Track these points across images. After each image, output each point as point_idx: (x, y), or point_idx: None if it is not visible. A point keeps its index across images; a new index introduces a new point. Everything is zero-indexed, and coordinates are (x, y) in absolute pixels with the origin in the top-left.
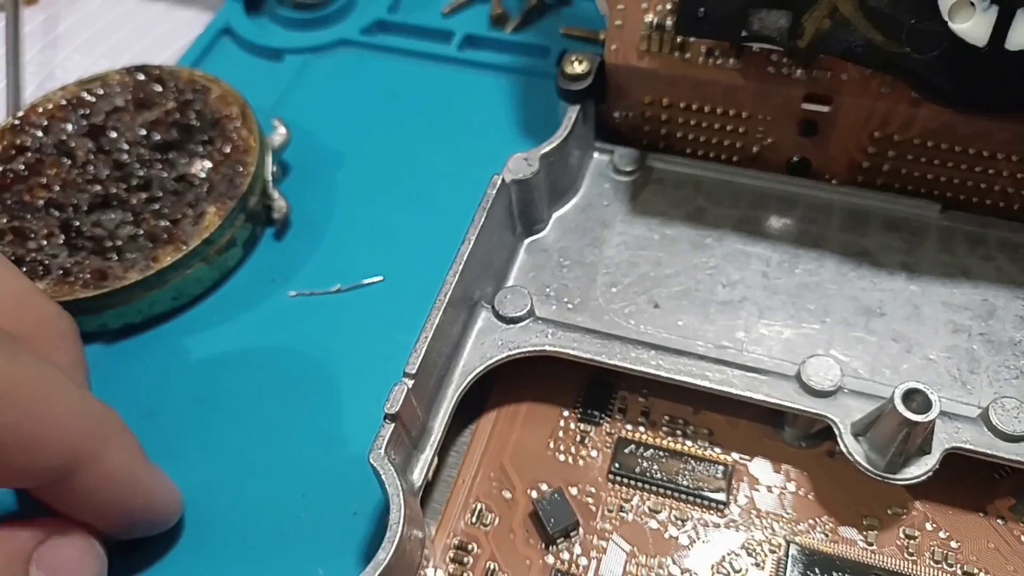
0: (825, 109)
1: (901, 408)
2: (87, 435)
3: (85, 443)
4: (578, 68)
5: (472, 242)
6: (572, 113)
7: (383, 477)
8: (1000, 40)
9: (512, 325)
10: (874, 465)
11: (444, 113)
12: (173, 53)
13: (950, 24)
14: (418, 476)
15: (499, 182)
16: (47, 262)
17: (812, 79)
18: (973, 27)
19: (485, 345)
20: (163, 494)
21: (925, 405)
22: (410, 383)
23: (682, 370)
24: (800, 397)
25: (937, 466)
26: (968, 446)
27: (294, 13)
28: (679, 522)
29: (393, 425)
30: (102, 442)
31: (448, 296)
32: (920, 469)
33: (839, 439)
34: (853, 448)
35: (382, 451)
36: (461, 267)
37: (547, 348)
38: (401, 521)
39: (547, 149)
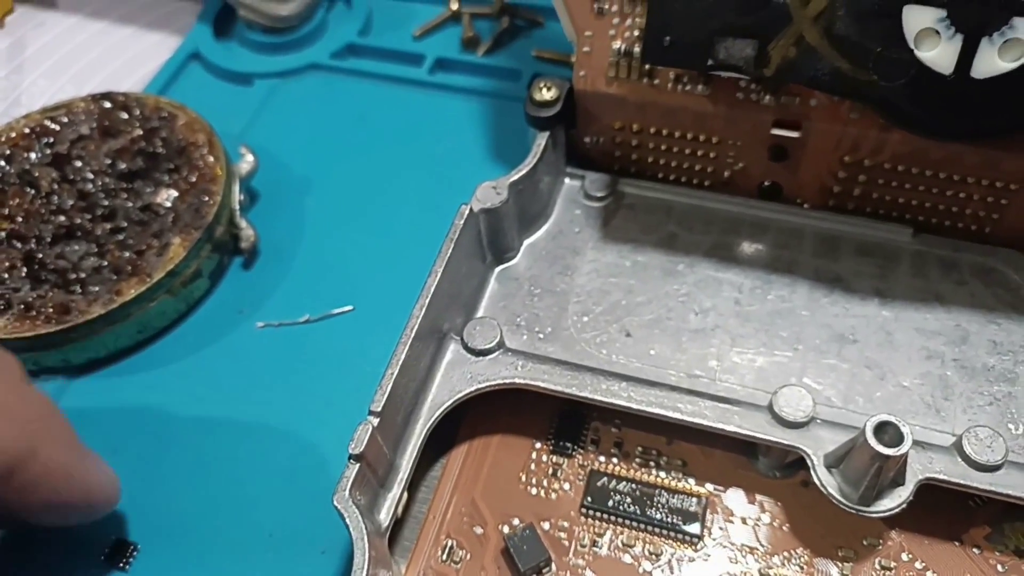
0: (795, 135)
1: (873, 442)
2: (17, 437)
3: (17, 445)
4: (547, 95)
5: (439, 274)
6: (541, 140)
7: (347, 520)
8: (966, 68)
9: (481, 357)
10: (847, 498)
11: (415, 138)
12: (141, 77)
13: (916, 52)
14: (385, 516)
15: (467, 212)
16: (8, 296)
17: (781, 105)
18: (939, 55)
19: (454, 378)
20: (100, 481)
21: (897, 438)
22: (375, 421)
23: (654, 402)
24: (773, 428)
25: (911, 498)
26: (942, 476)
27: (263, 37)
28: (653, 556)
29: (358, 465)
30: (36, 439)
31: (415, 330)
32: (894, 501)
33: (812, 471)
34: (826, 480)
35: (346, 493)
36: (428, 300)
37: (517, 381)
38: (365, 566)
39: (516, 177)
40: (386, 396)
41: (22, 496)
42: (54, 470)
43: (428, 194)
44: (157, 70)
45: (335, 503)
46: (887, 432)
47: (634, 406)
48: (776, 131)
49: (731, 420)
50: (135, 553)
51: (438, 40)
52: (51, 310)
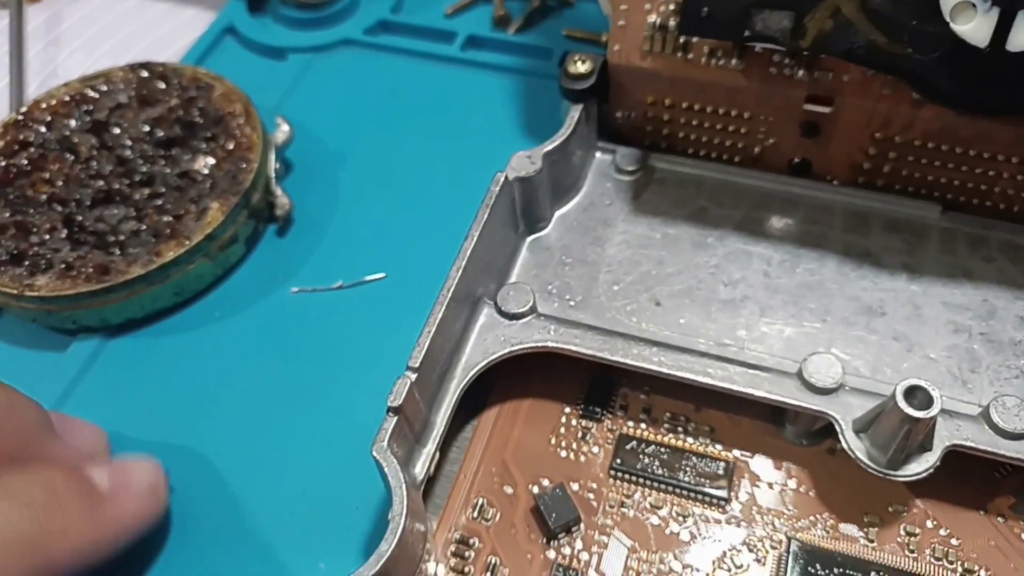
0: (827, 110)
1: (903, 404)
2: (27, 563)
3: (26, 572)
4: (581, 68)
5: (475, 238)
6: (575, 112)
7: (385, 470)
8: (1001, 41)
9: (514, 321)
10: (875, 462)
11: (446, 113)
12: (175, 52)
13: (952, 25)
14: (420, 470)
15: (502, 179)
16: (49, 256)
17: (814, 80)
18: (974, 28)
19: (487, 341)
20: (133, 513)
21: (927, 401)
22: (413, 376)
23: (684, 367)
24: (802, 394)
25: (938, 463)
26: (969, 443)
27: (297, 13)
28: (680, 518)
29: (396, 418)
30: (53, 536)
31: (452, 291)
32: (921, 466)
33: (840, 436)
34: (855, 445)
35: (384, 444)
36: (465, 262)
37: (549, 344)
38: (404, 513)
39: (550, 147)
40: (423, 353)
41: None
42: (80, 547)
43: (458, 168)
44: (192, 44)
45: (374, 453)
46: (916, 396)
47: (664, 370)
48: (808, 106)
49: (761, 386)
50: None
51: (470, 18)
52: (91, 270)
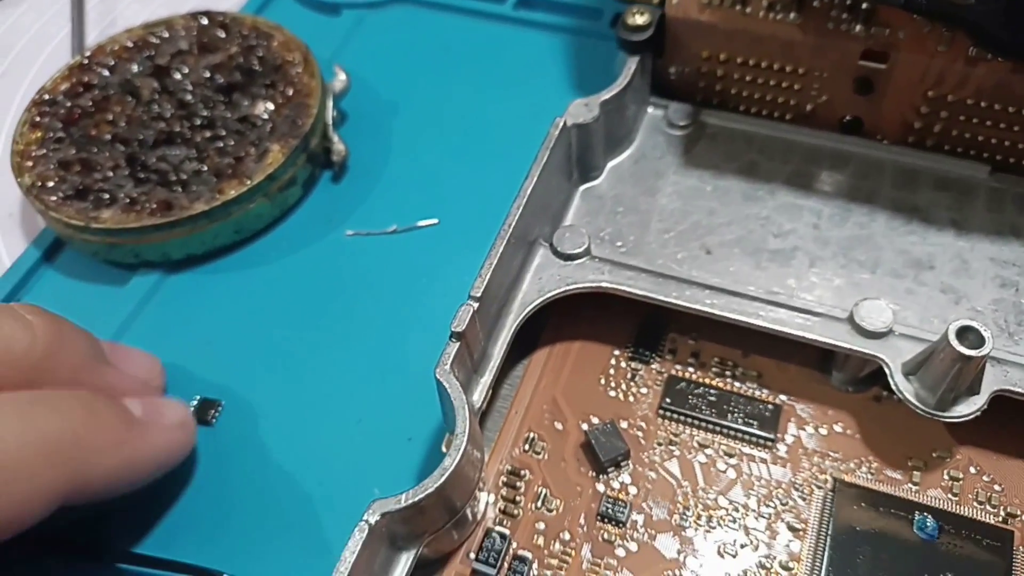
0: (881, 66)
1: (955, 343)
2: (53, 479)
3: (59, 480)
4: (639, 20)
5: (536, 177)
6: (632, 63)
7: (449, 391)
8: None
9: (569, 262)
10: (924, 403)
11: (497, 68)
12: (231, 5)
13: None
14: (478, 398)
15: (561, 124)
16: (113, 191)
17: (870, 35)
18: None
19: (543, 280)
20: (165, 442)
21: (978, 341)
22: (475, 305)
23: (735, 309)
24: (852, 337)
25: (985, 406)
26: (1017, 388)
27: None
28: (727, 457)
29: (458, 344)
30: (89, 451)
31: (512, 227)
32: (969, 408)
33: (890, 378)
34: (904, 387)
35: (448, 367)
36: (525, 200)
37: (603, 284)
38: (467, 431)
39: (607, 96)
40: (485, 283)
41: (101, 496)
42: (113, 467)
43: (508, 120)
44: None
45: (437, 375)
46: (968, 336)
47: (716, 312)
48: (863, 62)
49: (812, 329)
50: (229, 440)
51: None
52: (155, 205)
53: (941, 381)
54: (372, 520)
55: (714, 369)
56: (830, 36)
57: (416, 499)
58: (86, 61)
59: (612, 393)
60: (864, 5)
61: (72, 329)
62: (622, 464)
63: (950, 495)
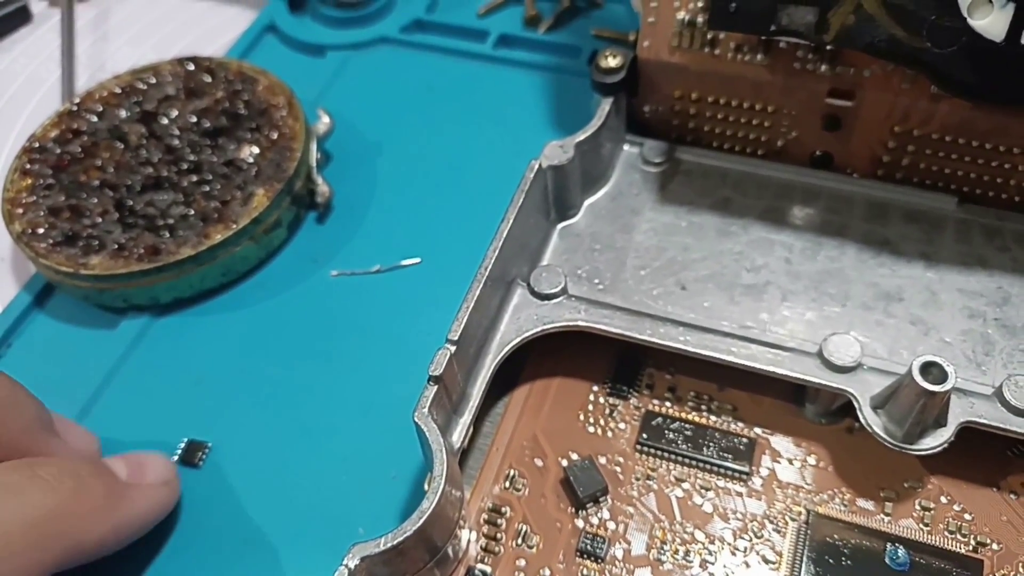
0: (848, 104)
1: (919, 379)
2: (54, 546)
3: (53, 554)
4: (612, 62)
5: (511, 220)
6: (606, 105)
7: (427, 434)
8: (1017, 36)
9: (547, 301)
10: (892, 436)
11: (478, 107)
12: (218, 48)
13: (969, 20)
14: (457, 439)
15: (536, 167)
16: (102, 237)
17: (836, 75)
18: (991, 23)
19: (521, 319)
20: (150, 502)
21: (941, 376)
22: (452, 348)
23: (708, 345)
24: (821, 372)
25: (952, 438)
26: (982, 420)
27: (336, 12)
28: (703, 491)
29: (436, 387)
30: (80, 520)
31: (489, 269)
32: (936, 440)
33: (859, 411)
34: (872, 420)
35: (426, 410)
36: (501, 243)
37: (580, 323)
38: (444, 474)
39: (582, 137)
40: (462, 327)
41: (91, 559)
42: (104, 532)
43: (489, 159)
44: (234, 41)
45: (415, 419)
46: (932, 372)
47: (690, 348)
48: (830, 100)
49: (782, 364)
50: (216, 482)
51: (501, 18)
52: (142, 251)
53: (908, 415)
54: (352, 564)
55: (690, 403)
56: (797, 76)
57: (396, 542)
58: (75, 107)
59: (591, 429)
60: (828, 47)
61: (25, 395)
62: (601, 500)
63: (921, 525)
